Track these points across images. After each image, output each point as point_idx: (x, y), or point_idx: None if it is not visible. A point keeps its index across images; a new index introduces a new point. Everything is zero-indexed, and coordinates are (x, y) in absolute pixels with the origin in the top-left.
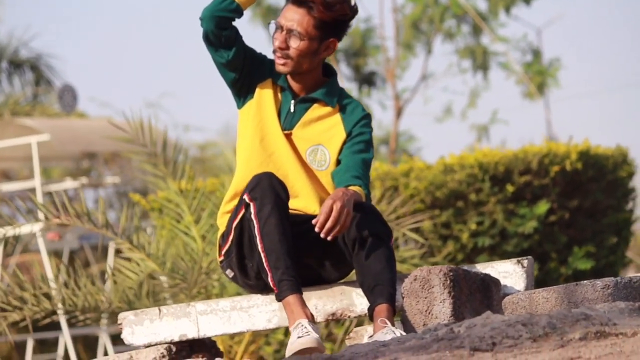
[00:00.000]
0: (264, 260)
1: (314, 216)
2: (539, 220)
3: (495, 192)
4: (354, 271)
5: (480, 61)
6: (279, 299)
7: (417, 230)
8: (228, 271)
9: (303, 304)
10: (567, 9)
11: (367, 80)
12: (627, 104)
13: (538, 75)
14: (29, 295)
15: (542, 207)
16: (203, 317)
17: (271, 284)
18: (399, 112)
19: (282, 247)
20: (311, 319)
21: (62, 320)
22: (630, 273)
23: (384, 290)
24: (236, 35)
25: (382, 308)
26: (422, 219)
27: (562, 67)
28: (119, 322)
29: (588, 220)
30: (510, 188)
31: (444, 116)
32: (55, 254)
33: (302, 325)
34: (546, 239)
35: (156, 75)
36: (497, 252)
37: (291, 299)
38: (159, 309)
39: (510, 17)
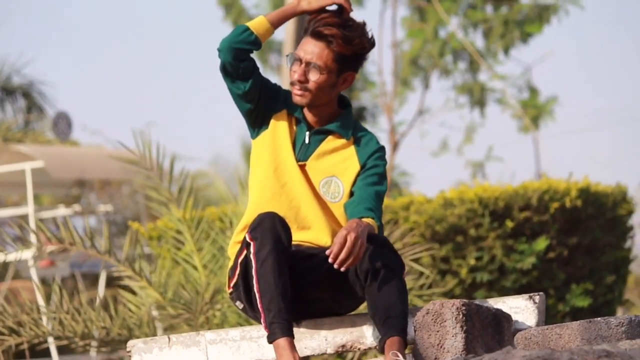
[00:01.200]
0: (258, 300)
1: (326, 248)
2: (537, 257)
3: (495, 227)
4: (364, 303)
5: (478, 97)
6: (270, 341)
7: (416, 262)
8: (238, 303)
9: (292, 348)
10: (561, 46)
11: (357, 115)
12: (617, 140)
13: (534, 109)
14: (27, 319)
15: (541, 243)
16: (212, 346)
17: (263, 325)
18: (395, 146)
19: (276, 289)
20: None
21: (52, 348)
22: (632, 311)
23: (395, 322)
24: (253, 66)
25: (393, 341)
26: (421, 250)
27: (557, 103)
28: (127, 349)
29: (586, 257)
30: (509, 224)
31: (440, 151)
32: (44, 281)
33: None
34: (544, 275)
35: (142, 104)
36: (495, 288)
37: (281, 342)
38: (169, 337)
39: (508, 58)
